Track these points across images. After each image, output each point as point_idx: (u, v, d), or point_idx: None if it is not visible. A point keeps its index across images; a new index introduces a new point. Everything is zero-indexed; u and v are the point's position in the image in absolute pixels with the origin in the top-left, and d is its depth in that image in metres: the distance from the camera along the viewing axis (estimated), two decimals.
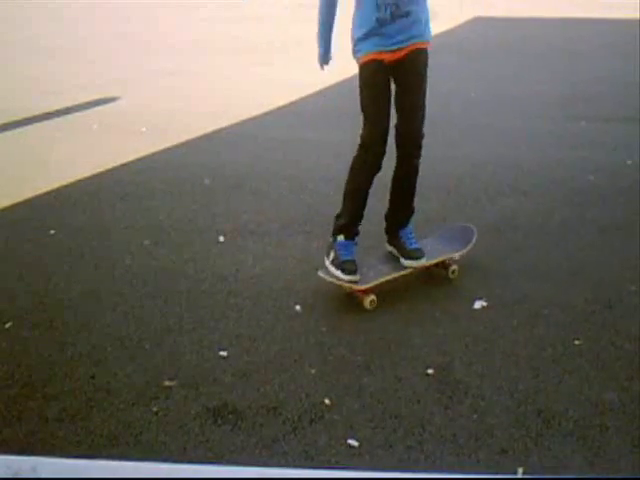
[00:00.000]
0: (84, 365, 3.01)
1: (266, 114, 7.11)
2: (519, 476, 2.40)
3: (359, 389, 2.84)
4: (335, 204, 3.59)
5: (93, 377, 2.93)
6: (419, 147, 3.56)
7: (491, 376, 2.92)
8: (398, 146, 3.50)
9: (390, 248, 3.72)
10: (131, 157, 5.73)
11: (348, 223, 3.59)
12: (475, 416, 2.68)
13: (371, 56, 3.38)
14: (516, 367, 2.98)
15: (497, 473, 2.41)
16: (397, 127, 3.45)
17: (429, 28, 3.49)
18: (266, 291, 3.58)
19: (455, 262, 3.76)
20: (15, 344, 3.17)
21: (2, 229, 4.41)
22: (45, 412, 2.71)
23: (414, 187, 3.66)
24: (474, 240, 3.83)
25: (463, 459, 2.47)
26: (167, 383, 2.88)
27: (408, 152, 3.53)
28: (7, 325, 3.32)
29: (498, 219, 4.50)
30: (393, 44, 3.36)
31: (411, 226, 3.70)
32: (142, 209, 4.72)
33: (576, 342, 3.15)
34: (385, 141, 3.42)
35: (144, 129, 6.59)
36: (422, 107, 3.53)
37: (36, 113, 7.05)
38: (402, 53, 3.38)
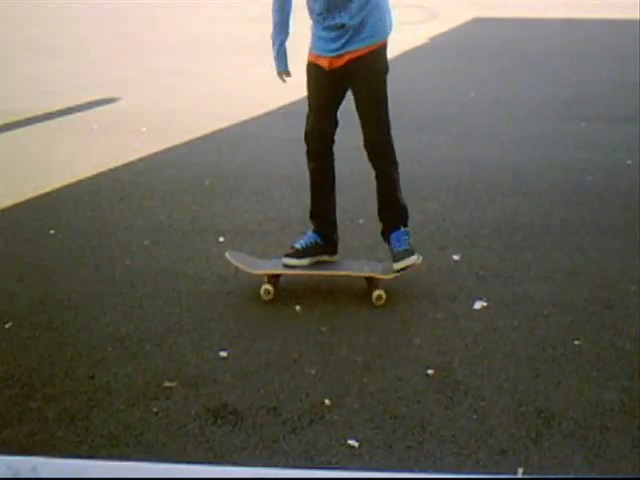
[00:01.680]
0: (84, 365, 3.01)
1: (266, 114, 7.12)
2: (519, 476, 2.40)
3: (359, 389, 2.84)
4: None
5: (93, 377, 2.93)
6: (382, 156, 3.51)
7: (491, 376, 2.92)
8: (369, 159, 3.54)
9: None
10: (131, 157, 5.73)
11: (310, 213, 3.69)
12: (475, 416, 2.68)
13: (312, 57, 3.46)
14: (516, 367, 2.98)
15: (497, 473, 2.41)
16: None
17: (378, 27, 3.34)
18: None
19: (383, 287, 3.49)
20: (15, 344, 3.17)
21: (2, 229, 4.41)
22: (45, 412, 2.71)
23: (391, 194, 3.58)
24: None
25: (463, 459, 2.47)
26: (167, 383, 2.88)
27: (371, 160, 3.51)
28: (7, 325, 3.32)
29: (498, 219, 4.50)
30: (329, 51, 3.36)
31: (404, 229, 3.58)
32: (142, 209, 4.72)
33: (576, 342, 3.16)
34: (315, 140, 3.51)
35: (144, 129, 6.59)
36: (375, 116, 3.44)
37: (36, 113, 7.05)
38: (340, 62, 3.36)
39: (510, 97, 7.87)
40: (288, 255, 3.60)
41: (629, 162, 5.55)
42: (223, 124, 6.72)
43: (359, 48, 3.33)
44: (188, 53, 10.72)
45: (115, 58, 10.26)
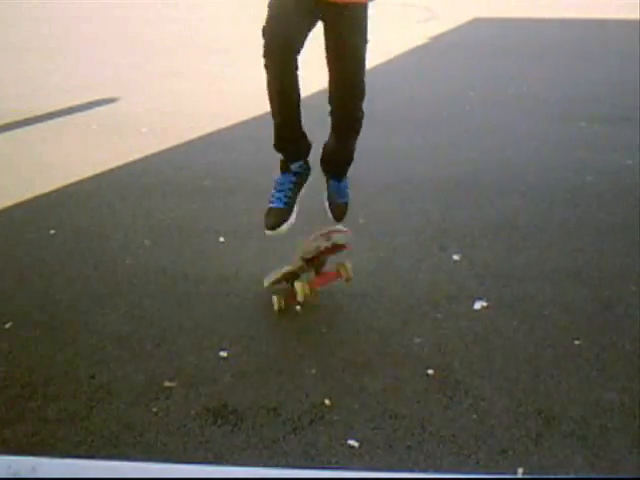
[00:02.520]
0: (84, 365, 3.01)
1: (266, 114, 7.09)
2: (519, 476, 2.40)
3: (359, 389, 2.84)
4: None
5: (93, 377, 2.93)
6: (355, 93, 3.12)
7: (491, 376, 2.92)
8: (335, 98, 3.11)
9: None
10: (131, 157, 5.73)
11: (276, 145, 3.25)
12: (475, 416, 2.68)
13: None
14: (516, 367, 2.98)
15: (497, 473, 2.41)
16: (330, 81, 3.07)
17: None
18: (266, 291, 3.58)
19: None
20: (15, 344, 3.17)
21: (2, 229, 4.41)
22: (45, 412, 2.71)
23: (348, 151, 3.34)
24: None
25: (463, 459, 2.47)
26: (167, 383, 2.88)
27: (338, 105, 3.18)
28: (7, 325, 3.32)
29: (498, 219, 4.50)
30: None
31: (346, 181, 3.42)
32: (142, 209, 4.72)
33: (576, 342, 3.16)
34: (284, 46, 2.86)
35: (144, 129, 6.59)
36: (357, 55, 3.01)
37: (36, 113, 7.05)
38: None
39: (510, 97, 7.87)
40: (272, 227, 3.10)
41: (629, 162, 5.55)
42: (223, 124, 6.72)
43: None
44: (188, 53, 10.72)
45: (115, 58, 10.26)
